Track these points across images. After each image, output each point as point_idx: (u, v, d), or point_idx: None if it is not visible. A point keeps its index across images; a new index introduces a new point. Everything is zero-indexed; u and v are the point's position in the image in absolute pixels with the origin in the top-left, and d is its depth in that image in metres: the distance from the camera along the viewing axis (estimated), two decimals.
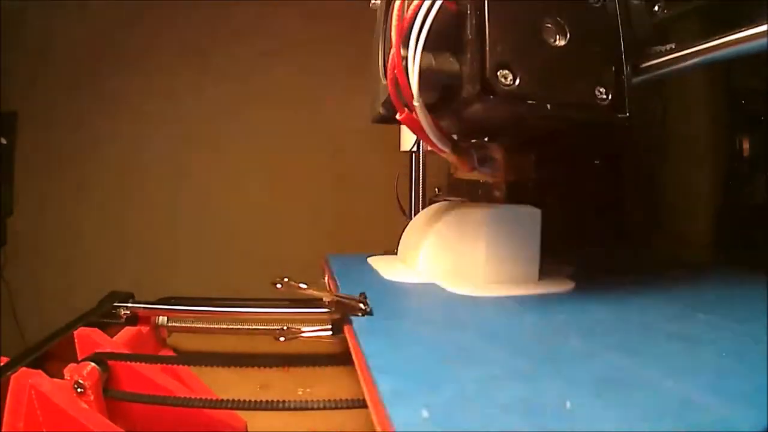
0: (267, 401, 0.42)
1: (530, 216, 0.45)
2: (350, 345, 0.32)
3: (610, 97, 0.36)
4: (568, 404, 0.21)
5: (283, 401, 0.42)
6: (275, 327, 0.56)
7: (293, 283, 0.37)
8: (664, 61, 0.37)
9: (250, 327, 0.61)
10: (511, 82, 0.33)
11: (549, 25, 0.35)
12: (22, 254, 1.28)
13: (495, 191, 0.47)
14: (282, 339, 0.41)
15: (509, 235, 0.44)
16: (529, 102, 0.34)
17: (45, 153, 1.30)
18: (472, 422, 0.20)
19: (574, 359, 0.27)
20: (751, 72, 0.56)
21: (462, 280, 0.45)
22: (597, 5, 0.36)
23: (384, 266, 0.52)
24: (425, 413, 0.20)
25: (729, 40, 0.32)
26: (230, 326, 0.63)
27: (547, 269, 0.49)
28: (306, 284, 0.37)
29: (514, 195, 0.47)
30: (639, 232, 0.69)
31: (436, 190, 0.65)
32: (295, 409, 0.41)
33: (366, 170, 1.28)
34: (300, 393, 0.42)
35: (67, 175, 1.31)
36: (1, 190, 1.24)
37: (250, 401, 0.42)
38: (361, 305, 0.35)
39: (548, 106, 0.34)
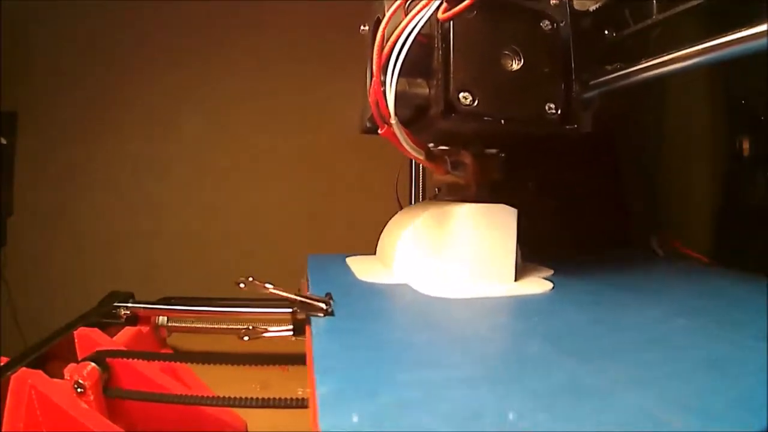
0: (267, 398, 0.42)
1: (506, 214, 0.44)
2: (305, 345, 0.32)
3: (558, 111, 0.42)
4: (510, 416, 0.20)
5: (283, 399, 0.42)
6: (241, 327, 0.57)
7: (258, 282, 0.37)
8: (610, 78, 0.43)
9: (241, 327, 0.61)
10: (471, 103, 0.39)
11: (506, 52, 0.41)
12: (22, 254, 1.28)
13: (467, 191, 0.52)
14: (246, 338, 0.41)
15: (484, 234, 0.44)
16: (486, 118, 0.40)
17: (45, 153, 1.30)
18: (402, 430, 0.19)
19: (534, 365, 0.26)
20: (751, 72, 0.56)
21: (435, 281, 0.44)
22: (550, 32, 0.42)
23: (360, 267, 0.51)
24: (355, 418, 0.20)
25: (726, 41, 0.33)
26: (231, 326, 0.63)
27: (526, 270, 0.48)
28: (271, 284, 0.37)
29: (490, 195, 0.49)
30: (636, 233, 0.69)
31: (436, 189, 0.65)
32: (294, 407, 0.41)
33: (367, 170, 1.28)
34: (300, 392, 0.42)
35: (67, 175, 1.31)
36: (1, 190, 1.24)
37: (250, 398, 0.42)
38: (323, 305, 0.35)
39: (502, 121, 0.40)
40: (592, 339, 0.30)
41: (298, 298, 0.36)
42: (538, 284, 0.44)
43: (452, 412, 0.20)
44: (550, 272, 0.49)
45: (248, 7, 1.28)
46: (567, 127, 0.43)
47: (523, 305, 0.40)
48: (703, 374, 0.25)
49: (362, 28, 0.51)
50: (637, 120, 0.68)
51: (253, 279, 0.37)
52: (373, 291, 0.44)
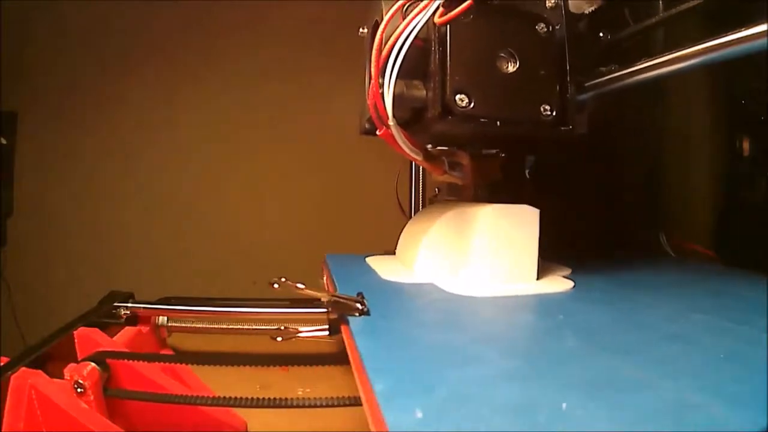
0: (267, 399, 0.42)
1: (528, 215, 0.45)
2: (347, 345, 0.32)
3: (554, 113, 0.42)
4: (564, 405, 0.21)
5: (284, 399, 0.42)
6: (273, 327, 0.57)
7: (290, 283, 0.37)
8: (605, 80, 0.43)
9: (250, 327, 0.61)
10: (467, 105, 0.40)
11: (502, 55, 0.41)
12: (22, 254, 1.28)
13: (466, 192, 0.52)
14: (279, 339, 0.41)
15: (507, 235, 0.45)
16: (482, 120, 0.41)
17: (45, 153, 1.30)
18: (465, 423, 0.19)
19: (569, 360, 0.27)
20: (751, 72, 0.56)
21: (459, 280, 0.45)
22: (545, 35, 0.42)
23: (382, 266, 0.52)
24: (419, 413, 0.20)
25: (726, 41, 0.33)
26: (230, 326, 0.63)
27: (545, 269, 0.49)
28: (303, 284, 0.37)
29: (487, 195, 0.49)
30: (640, 232, 0.69)
31: (436, 189, 0.65)
32: (295, 406, 0.41)
33: (367, 170, 1.28)
34: (300, 393, 0.42)
35: (67, 175, 1.31)
36: (1, 190, 1.24)
37: (250, 398, 0.42)
38: (359, 305, 0.35)
39: (498, 123, 0.41)
40: (618, 334, 0.32)
41: (332, 298, 0.36)
42: (559, 283, 0.45)
43: (508, 404, 0.21)
44: (569, 271, 0.50)
45: (250, 7, 1.28)
46: (562, 128, 0.43)
47: (547, 303, 0.41)
48: (725, 364, 0.26)
49: (361, 30, 0.51)
50: (638, 120, 0.68)
51: (286, 279, 0.37)
52: (400, 290, 0.45)
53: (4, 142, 1.24)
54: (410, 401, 0.21)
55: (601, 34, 0.49)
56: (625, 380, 0.24)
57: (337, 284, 0.47)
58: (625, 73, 0.41)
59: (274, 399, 0.42)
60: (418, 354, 0.28)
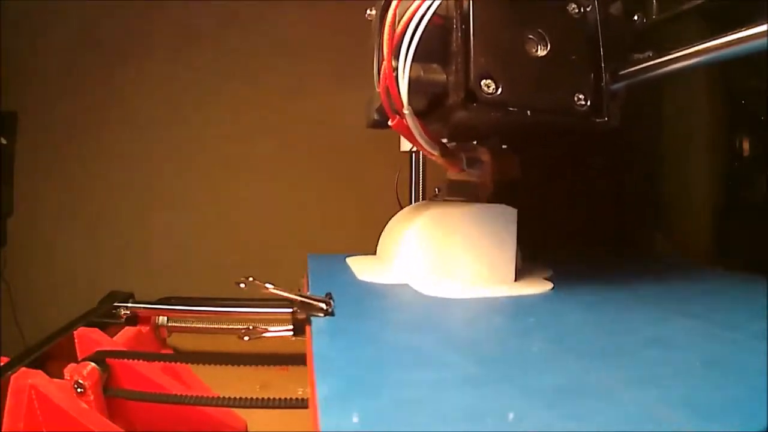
0: (267, 399, 0.42)
1: (506, 215, 0.44)
2: (306, 346, 0.32)
3: (588, 103, 0.38)
4: (510, 415, 0.20)
5: (284, 399, 0.42)
6: (241, 327, 0.57)
7: (258, 282, 0.37)
8: (642, 68, 0.39)
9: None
10: (494, 91, 0.36)
11: (531, 37, 0.37)
12: (22, 254, 1.28)
13: (482, 191, 0.49)
14: (246, 338, 0.41)
15: (484, 235, 0.43)
16: (510, 109, 0.36)
17: (45, 153, 1.30)
18: (404, 429, 0.19)
19: (533, 365, 0.26)
20: (751, 72, 0.56)
21: (435, 281, 0.44)
22: (577, 16, 0.39)
23: (360, 266, 0.51)
24: (355, 418, 0.19)
25: (728, 41, 0.32)
26: (231, 326, 0.63)
27: (526, 271, 0.48)
28: (272, 284, 0.36)
29: (506, 195, 0.47)
30: (637, 233, 0.69)
31: (436, 190, 0.65)
32: (295, 407, 0.41)
33: (366, 170, 1.28)
34: (300, 392, 0.42)
35: (66, 175, 1.31)
36: (1, 190, 1.24)
37: (250, 398, 0.42)
38: (323, 305, 0.35)
39: (528, 112, 0.36)
40: (593, 338, 0.30)
41: (298, 298, 0.36)
42: (538, 284, 0.44)
43: (453, 412, 0.20)
44: (550, 272, 0.49)
45: (249, 6, 1.28)
46: (597, 120, 0.39)
47: (523, 305, 0.40)
48: (704, 374, 0.25)
49: (368, 12, 0.47)
50: (637, 118, 0.68)
51: (254, 279, 0.37)
52: (373, 291, 0.44)
53: (4, 142, 1.24)
54: (351, 405, 0.20)
55: (635, 18, 0.45)
56: (590, 388, 0.22)
57: (310, 284, 0.46)
58: (663, 61, 0.37)
59: (274, 399, 0.42)
60: (375, 356, 0.27)
